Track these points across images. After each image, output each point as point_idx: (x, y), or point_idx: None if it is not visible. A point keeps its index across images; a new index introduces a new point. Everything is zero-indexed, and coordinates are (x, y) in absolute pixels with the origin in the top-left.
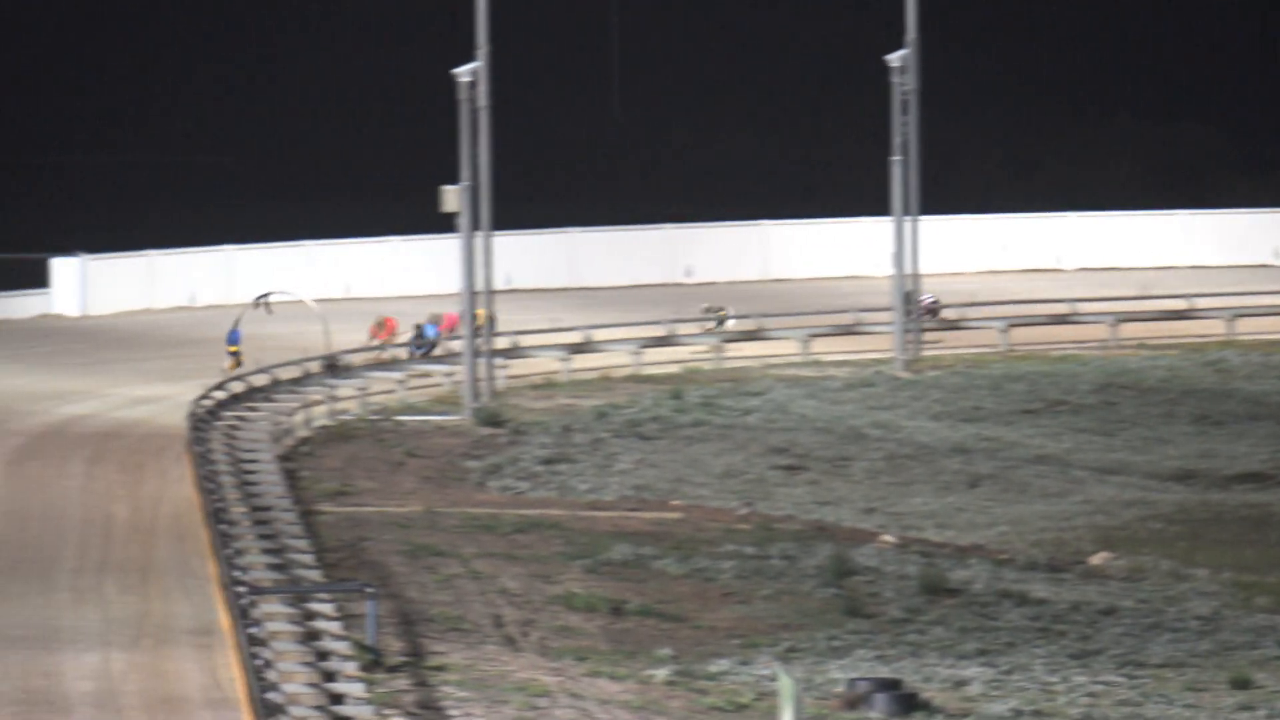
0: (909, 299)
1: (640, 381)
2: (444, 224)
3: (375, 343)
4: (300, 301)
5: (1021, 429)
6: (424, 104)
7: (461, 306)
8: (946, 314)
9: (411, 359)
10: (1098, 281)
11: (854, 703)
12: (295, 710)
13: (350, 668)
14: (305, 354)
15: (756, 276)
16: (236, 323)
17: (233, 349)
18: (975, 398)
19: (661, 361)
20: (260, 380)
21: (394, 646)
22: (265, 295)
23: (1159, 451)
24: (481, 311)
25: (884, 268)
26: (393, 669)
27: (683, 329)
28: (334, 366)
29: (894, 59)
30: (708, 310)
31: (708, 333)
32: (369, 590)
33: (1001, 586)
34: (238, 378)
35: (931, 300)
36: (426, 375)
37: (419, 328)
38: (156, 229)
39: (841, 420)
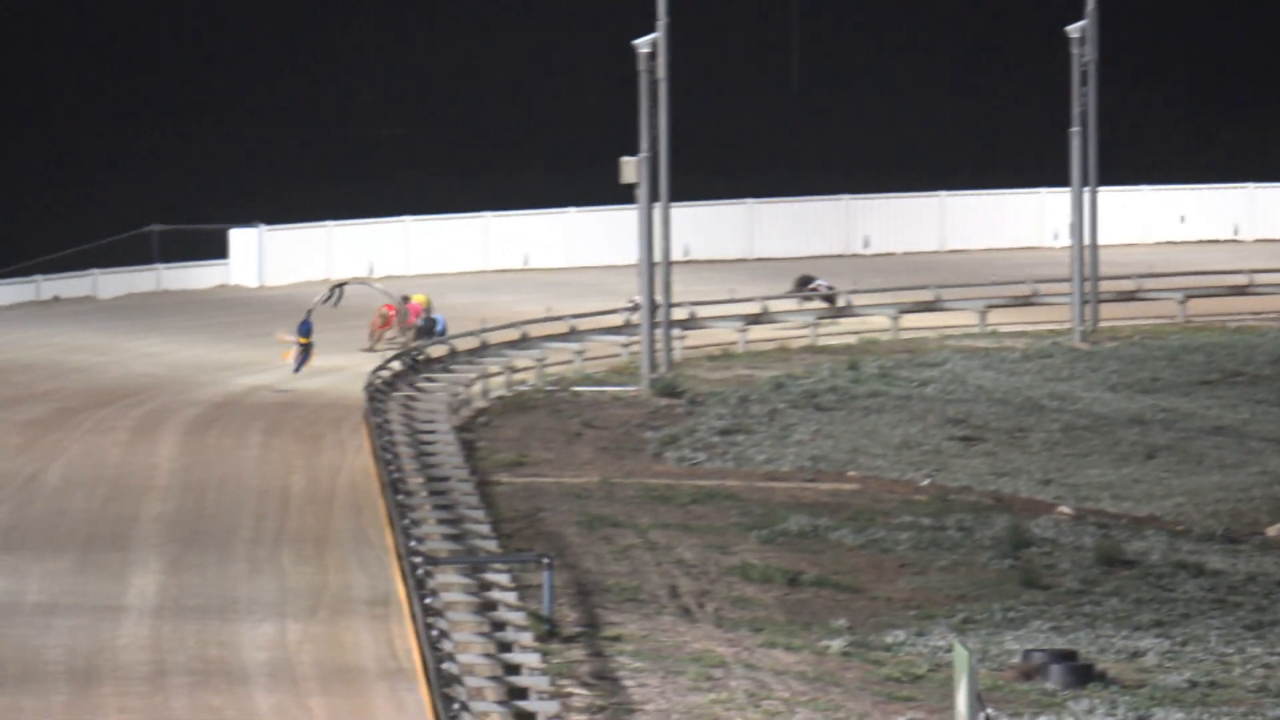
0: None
1: (817, 352)
2: (622, 195)
3: (377, 335)
4: (367, 284)
5: (1199, 400)
6: (603, 76)
7: (639, 280)
8: (1124, 285)
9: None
10: (1276, 252)
11: (1029, 674)
12: (471, 681)
13: (526, 638)
14: (484, 324)
15: (933, 247)
16: (309, 314)
17: (304, 340)
18: (1152, 369)
19: (839, 332)
20: (438, 351)
21: (570, 617)
22: (340, 286)
23: None
24: (422, 297)
25: (1062, 239)
26: (568, 639)
27: (858, 299)
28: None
29: (1073, 30)
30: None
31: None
32: (545, 561)
33: (1177, 558)
34: (416, 348)
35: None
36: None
37: (427, 315)
38: (334, 200)
39: (1018, 391)
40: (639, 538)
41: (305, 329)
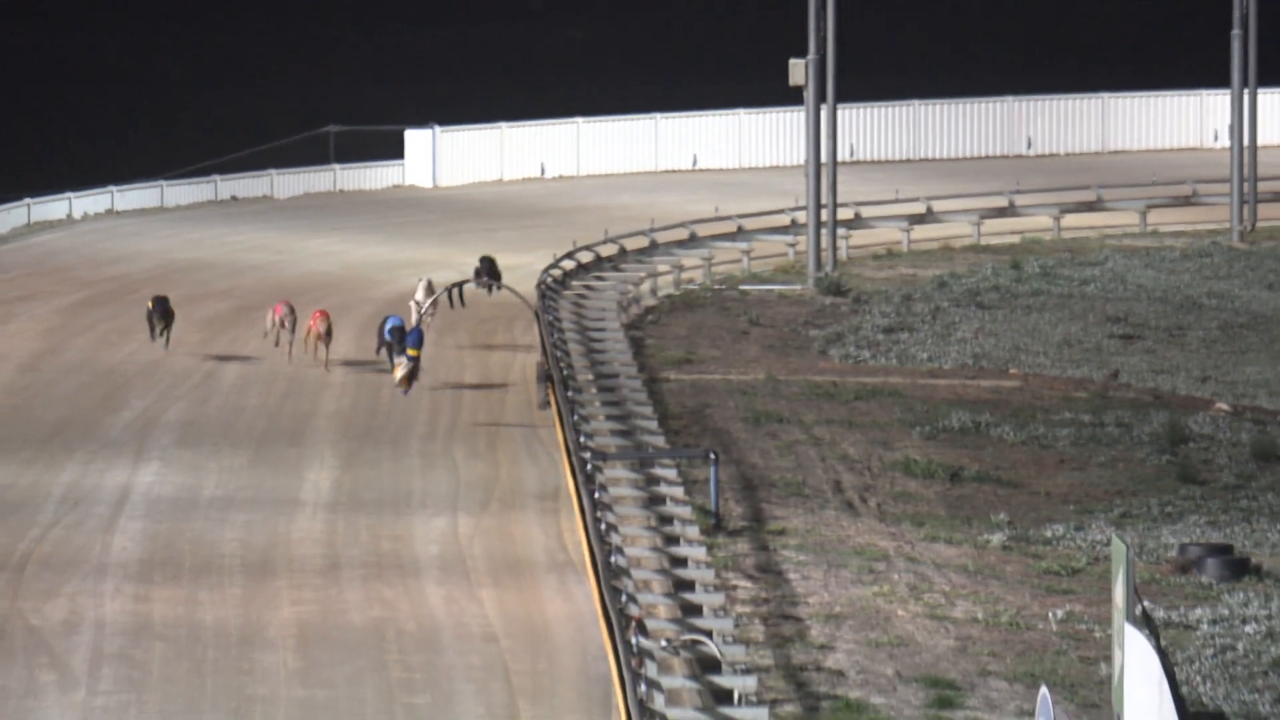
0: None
1: (980, 251)
2: (790, 97)
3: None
4: (479, 285)
5: None
6: None
7: (806, 180)
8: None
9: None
10: None
11: (1186, 567)
12: (637, 573)
13: (692, 532)
14: (653, 224)
15: (1095, 148)
16: (419, 321)
17: (413, 352)
18: None
19: (1001, 232)
20: (608, 250)
21: (735, 511)
22: (459, 284)
23: None
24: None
25: (1222, 140)
26: (733, 533)
27: (1021, 200)
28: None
29: None
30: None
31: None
32: (711, 456)
33: None
34: (586, 248)
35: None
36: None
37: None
38: (508, 102)
39: (1177, 290)
40: (803, 433)
41: (415, 339)
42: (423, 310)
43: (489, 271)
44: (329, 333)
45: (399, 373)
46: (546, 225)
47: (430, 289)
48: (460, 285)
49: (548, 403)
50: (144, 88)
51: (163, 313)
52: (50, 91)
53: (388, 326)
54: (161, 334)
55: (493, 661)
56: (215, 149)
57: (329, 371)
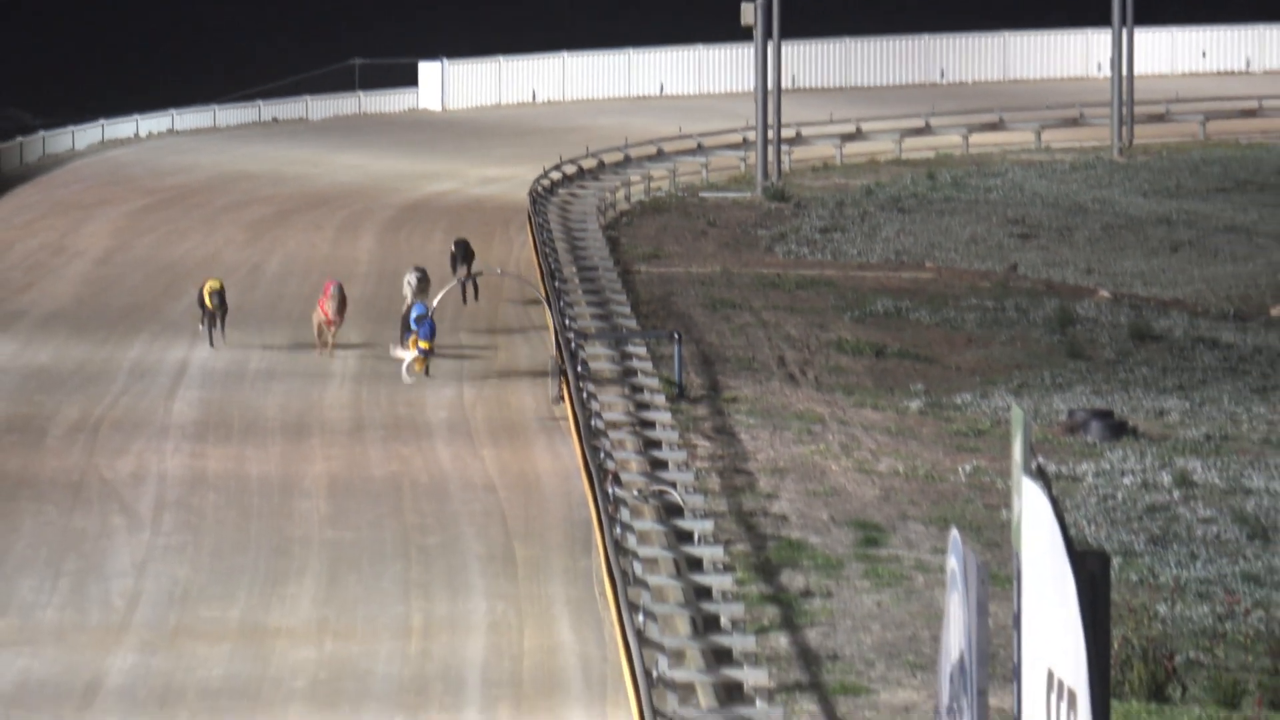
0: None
1: (900, 165)
2: (743, 35)
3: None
4: (499, 272)
5: (1215, 203)
6: None
7: (755, 104)
8: (1155, 109)
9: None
10: None
11: (1073, 429)
12: (614, 434)
13: (659, 399)
14: (626, 142)
15: (997, 78)
16: (430, 310)
17: (425, 345)
18: (1177, 178)
19: (919, 148)
20: (589, 164)
21: (695, 382)
22: (472, 276)
23: None
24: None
25: (1104, 71)
26: (694, 400)
27: (935, 121)
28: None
29: None
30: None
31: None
32: (675, 336)
33: (1196, 333)
34: (571, 161)
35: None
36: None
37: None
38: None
39: (1066, 196)
40: (753, 317)
41: (428, 332)
42: (412, 291)
43: (464, 254)
44: (342, 308)
45: (405, 355)
46: (537, 143)
47: (423, 277)
48: (472, 278)
49: (561, 398)
50: (202, 27)
51: (221, 302)
52: (121, 28)
53: (413, 316)
54: (218, 324)
55: (491, 508)
56: (259, 78)
57: (333, 358)
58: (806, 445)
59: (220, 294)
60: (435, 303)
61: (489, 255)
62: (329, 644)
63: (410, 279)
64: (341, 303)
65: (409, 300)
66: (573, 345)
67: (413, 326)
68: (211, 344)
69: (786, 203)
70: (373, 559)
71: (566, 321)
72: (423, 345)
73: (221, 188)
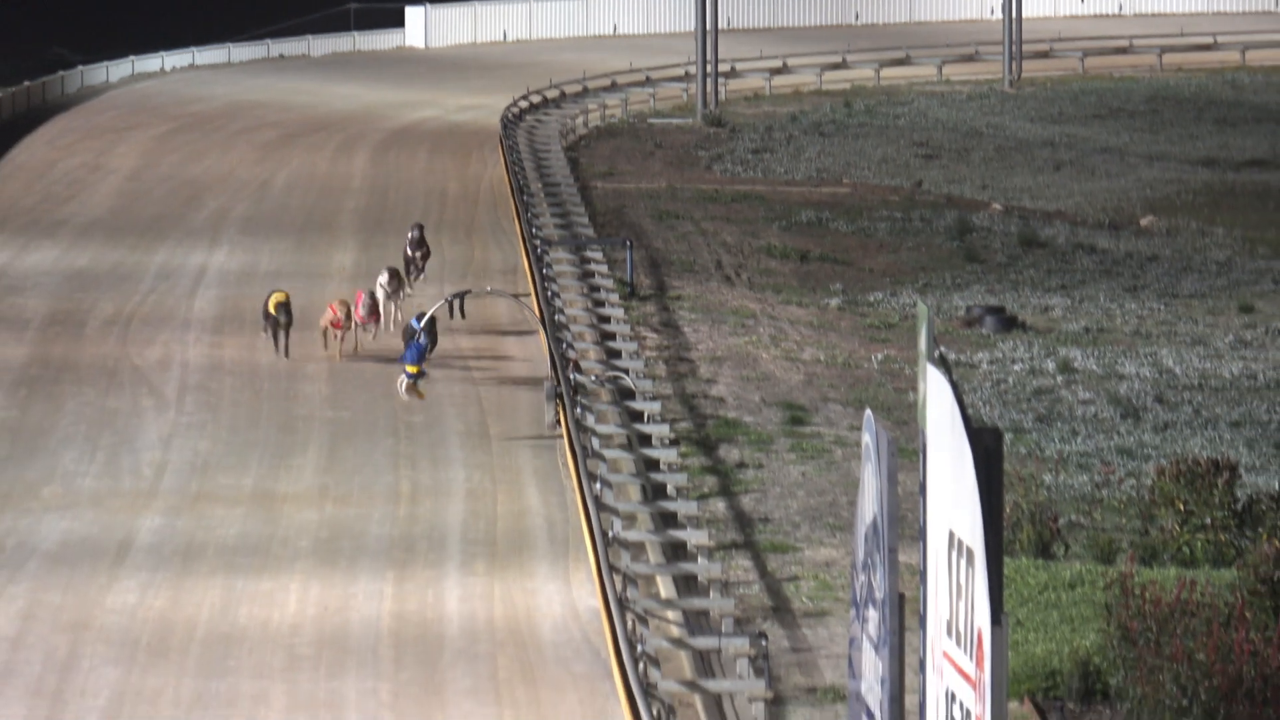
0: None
1: (821, 95)
2: None
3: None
4: (488, 291)
5: (1092, 128)
6: None
7: (695, 42)
8: (1040, 47)
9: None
10: (1150, 24)
11: (970, 323)
12: (575, 327)
13: (614, 297)
14: (584, 75)
15: (905, 20)
16: (417, 335)
17: (413, 369)
18: (1059, 106)
19: (837, 81)
20: (552, 94)
21: (645, 282)
22: (461, 294)
23: (1190, 145)
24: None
25: (996, 14)
26: (644, 298)
27: (851, 57)
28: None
29: None
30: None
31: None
32: (627, 242)
33: (1076, 241)
34: (536, 92)
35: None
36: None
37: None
38: None
39: (964, 122)
40: (694, 226)
41: (415, 355)
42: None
43: (421, 239)
44: (349, 317)
45: (401, 386)
46: (507, 76)
47: (395, 276)
48: (461, 296)
49: (558, 423)
50: None
51: (286, 315)
52: None
53: (418, 329)
54: (283, 334)
55: (469, 391)
56: (268, 20)
57: (340, 359)
58: (741, 337)
59: (286, 306)
60: (424, 321)
61: (465, 173)
62: (329, 507)
63: (381, 279)
64: (373, 308)
65: (385, 286)
66: (539, 251)
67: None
68: (278, 351)
69: (723, 128)
70: (367, 435)
71: (533, 230)
72: (409, 370)
73: (235, 115)
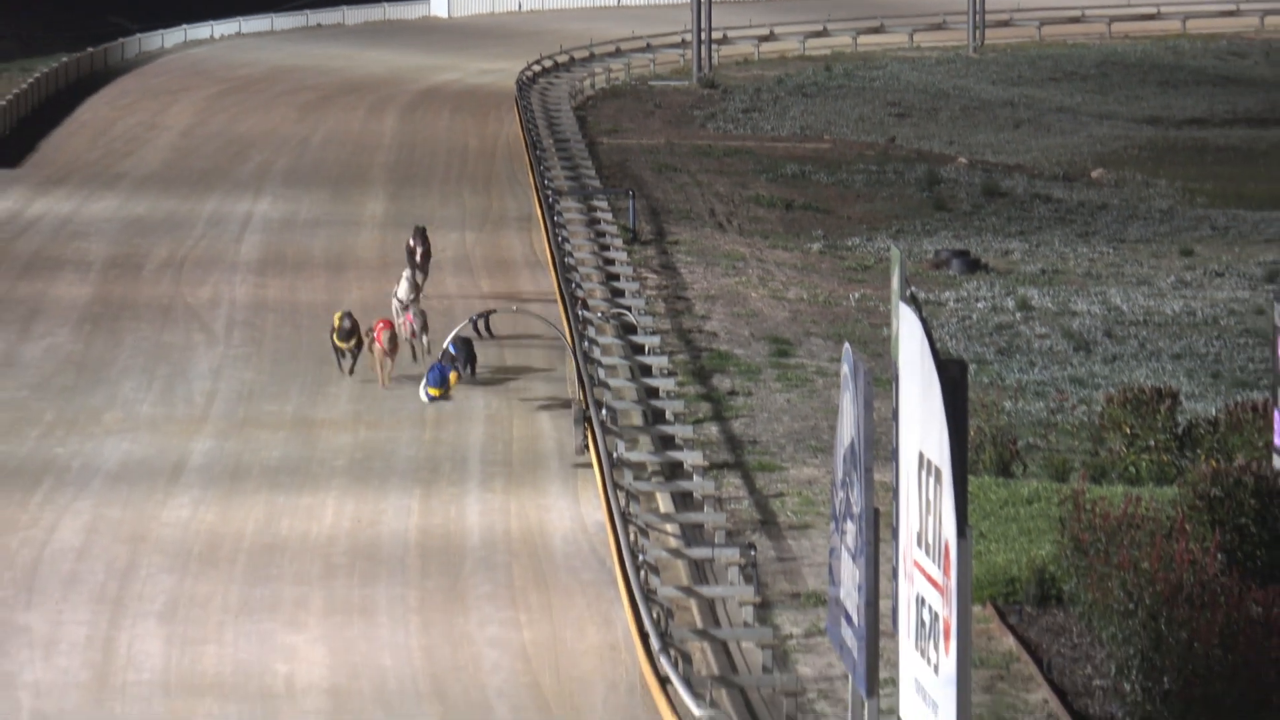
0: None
1: (804, 60)
2: None
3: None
4: (514, 309)
5: (1048, 90)
6: None
7: (691, 13)
8: (1002, 16)
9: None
10: None
11: (938, 265)
12: (582, 269)
13: (617, 242)
14: (592, 43)
15: None
16: (444, 353)
17: (434, 391)
18: (1019, 70)
19: (818, 47)
20: (562, 59)
21: (645, 228)
22: (486, 314)
23: (1136, 105)
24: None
25: None
26: (644, 243)
27: (831, 26)
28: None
29: None
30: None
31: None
32: (630, 192)
33: (1034, 191)
34: (548, 58)
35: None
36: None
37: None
38: None
39: (933, 84)
40: (690, 178)
41: (436, 377)
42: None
43: (423, 239)
44: (393, 342)
45: (428, 394)
46: (522, 44)
47: (414, 285)
48: (487, 315)
49: (586, 447)
50: None
51: (348, 333)
52: None
53: (451, 347)
54: (351, 356)
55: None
56: None
57: (387, 387)
58: (731, 278)
59: (350, 328)
60: (450, 338)
61: (484, 130)
62: (362, 432)
63: (399, 291)
64: (393, 337)
65: (401, 297)
66: (550, 200)
67: (453, 352)
68: (340, 369)
69: (716, 90)
70: (396, 366)
71: (545, 181)
72: (432, 392)
73: (277, 78)
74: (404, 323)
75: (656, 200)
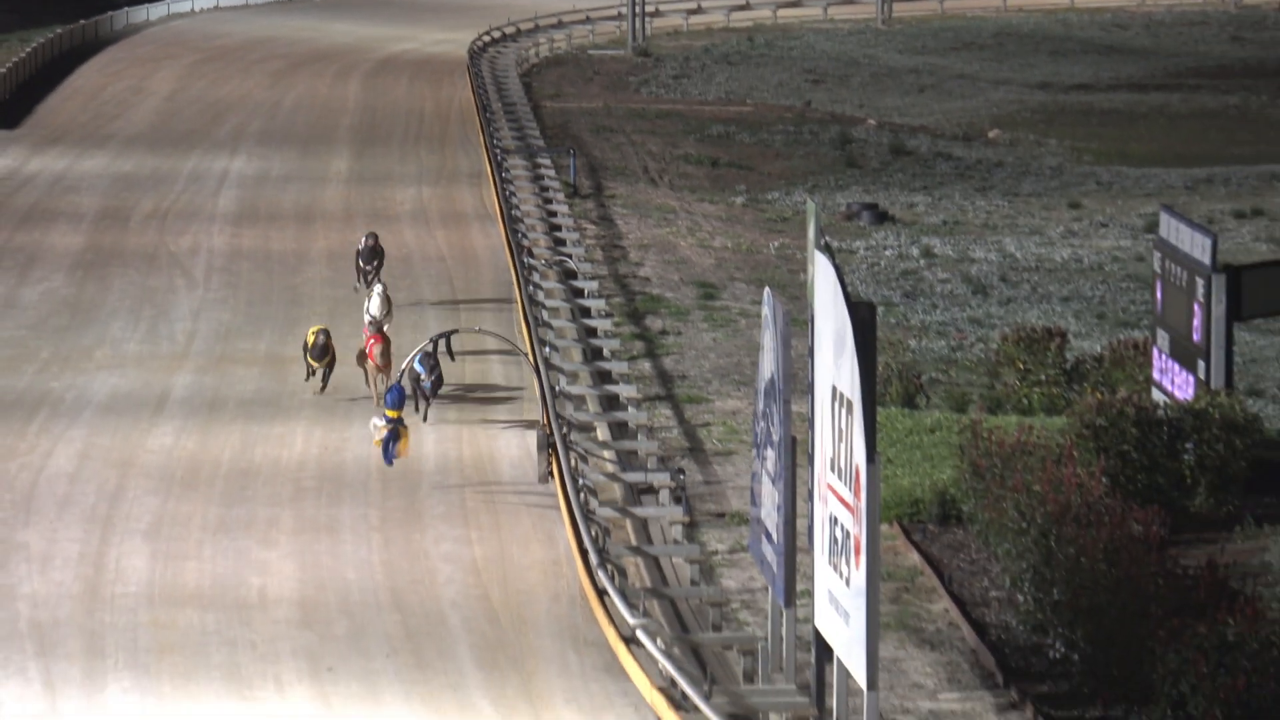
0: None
1: (728, 31)
2: None
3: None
4: (478, 331)
5: (949, 58)
6: None
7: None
8: None
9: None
10: None
11: (850, 217)
12: (527, 220)
13: (560, 196)
14: (536, 15)
15: None
16: (401, 375)
17: (393, 413)
18: (923, 40)
19: (741, 20)
20: (510, 31)
21: (585, 184)
22: (447, 334)
23: (1029, 71)
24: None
25: None
26: (584, 197)
27: (754, 0)
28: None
29: None
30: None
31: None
32: (571, 151)
33: (936, 150)
34: (497, 29)
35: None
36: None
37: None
38: None
39: (845, 53)
40: (625, 138)
41: (395, 398)
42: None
43: (372, 254)
44: (386, 356)
45: (377, 437)
46: (473, 16)
47: (386, 300)
48: (448, 335)
49: (550, 475)
50: None
51: (322, 351)
52: None
53: (416, 363)
54: (323, 375)
55: (442, 270)
56: None
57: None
58: (663, 228)
59: (323, 347)
60: (412, 357)
61: (439, 95)
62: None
63: (372, 307)
64: (385, 350)
65: (375, 314)
66: (499, 158)
67: (424, 386)
68: (309, 379)
69: (649, 58)
70: (357, 308)
71: (494, 140)
72: (389, 414)
73: (251, 48)
74: (370, 345)
75: (595, 158)
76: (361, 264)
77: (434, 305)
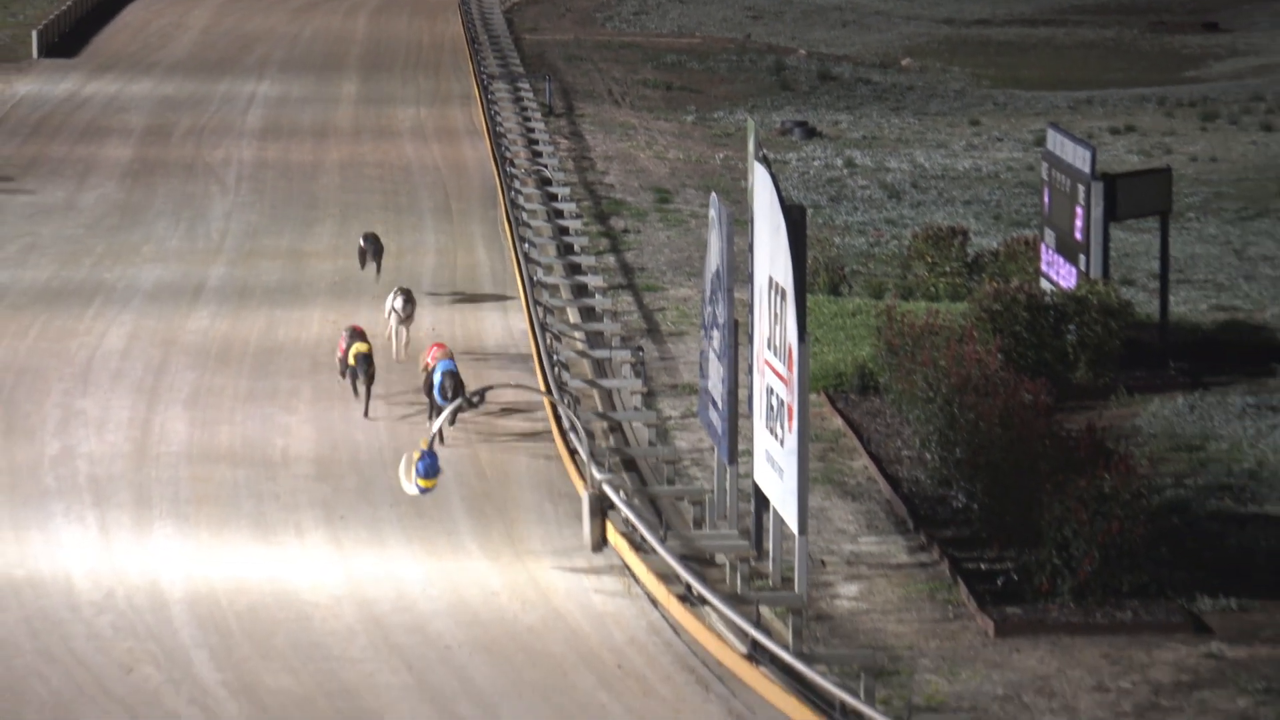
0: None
1: None
2: None
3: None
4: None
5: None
6: None
7: None
8: None
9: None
10: None
11: (784, 132)
12: (509, 136)
13: (537, 115)
14: None
15: None
16: (433, 441)
17: (426, 483)
18: None
19: None
20: None
21: (559, 105)
22: (481, 391)
23: (936, 8)
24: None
25: None
26: (558, 116)
27: None
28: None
29: None
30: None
31: None
32: (547, 76)
33: (857, 76)
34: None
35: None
36: None
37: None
38: None
39: None
40: (593, 67)
41: (428, 467)
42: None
43: (375, 249)
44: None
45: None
46: None
47: (408, 298)
48: (482, 392)
49: (604, 543)
50: None
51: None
52: None
53: (437, 375)
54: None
55: (437, 179)
56: None
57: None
58: (625, 142)
59: (367, 358)
60: (431, 435)
61: (434, 28)
62: (340, 261)
63: (395, 303)
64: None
65: (391, 326)
66: (485, 82)
67: (438, 399)
68: (357, 396)
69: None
70: (366, 211)
71: (481, 68)
72: (423, 484)
73: None
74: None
75: (567, 83)
76: (363, 246)
77: (433, 304)
